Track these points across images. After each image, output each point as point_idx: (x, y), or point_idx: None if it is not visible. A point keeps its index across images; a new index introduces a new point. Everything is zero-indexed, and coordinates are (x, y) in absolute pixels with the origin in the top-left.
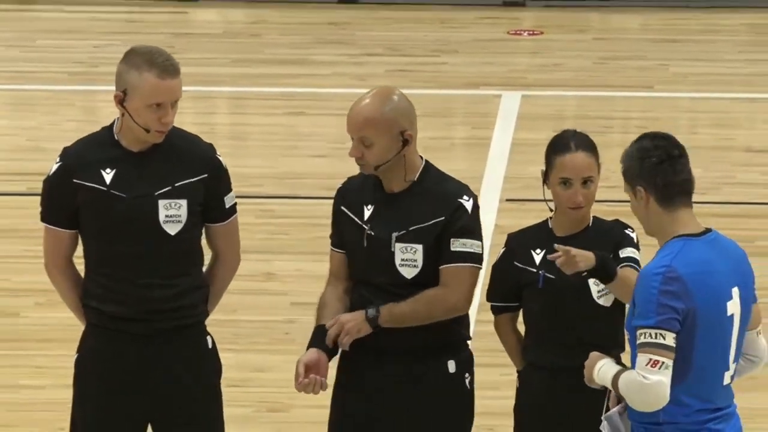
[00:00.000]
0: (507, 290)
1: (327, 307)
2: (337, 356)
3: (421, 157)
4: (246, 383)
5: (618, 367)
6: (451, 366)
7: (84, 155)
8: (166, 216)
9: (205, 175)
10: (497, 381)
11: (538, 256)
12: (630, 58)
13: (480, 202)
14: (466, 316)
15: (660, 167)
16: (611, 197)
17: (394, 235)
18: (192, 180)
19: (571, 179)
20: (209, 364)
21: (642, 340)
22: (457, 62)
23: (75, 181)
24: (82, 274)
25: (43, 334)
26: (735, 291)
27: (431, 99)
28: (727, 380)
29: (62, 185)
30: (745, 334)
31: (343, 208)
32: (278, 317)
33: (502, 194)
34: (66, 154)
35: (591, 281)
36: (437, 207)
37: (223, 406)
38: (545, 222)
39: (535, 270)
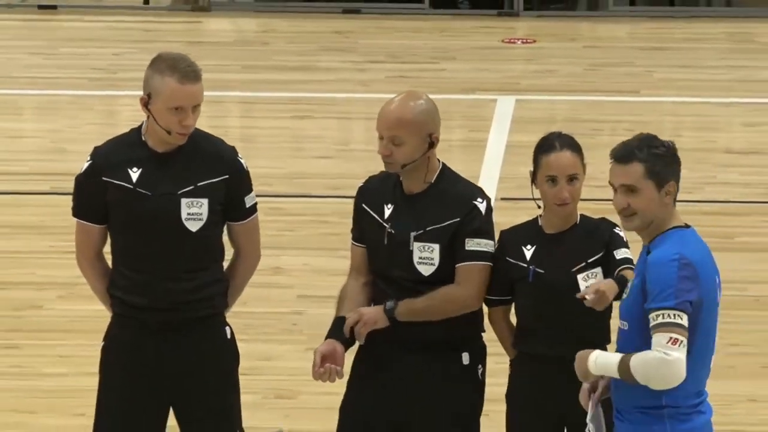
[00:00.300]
0: (499, 284)
1: (347, 300)
2: (355, 347)
3: (439, 160)
4: (255, 371)
5: (618, 354)
6: (465, 358)
7: (113, 155)
8: (188, 214)
9: (227, 176)
10: (491, 369)
11: (528, 252)
12: (618, 65)
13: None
14: (480, 310)
15: (679, 165)
16: (599, 196)
17: (413, 234)
18: (214, 180)
19: (557, 177)
20: (228, 354)
21: (660, 320)
22: (454, 69)
23: (104, 179)
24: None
25: (65, 325)
26: (717, 279)
27: None
28: (710, 365)
29: (92, 183)
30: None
31: (364, 205)
32: (286, 309)
33: (497, 193)
34: (96, 153)
35: (579, 276)
36: (453, 208)
37: (240, 394)
38: (535, 219)
39: (525, 265)
